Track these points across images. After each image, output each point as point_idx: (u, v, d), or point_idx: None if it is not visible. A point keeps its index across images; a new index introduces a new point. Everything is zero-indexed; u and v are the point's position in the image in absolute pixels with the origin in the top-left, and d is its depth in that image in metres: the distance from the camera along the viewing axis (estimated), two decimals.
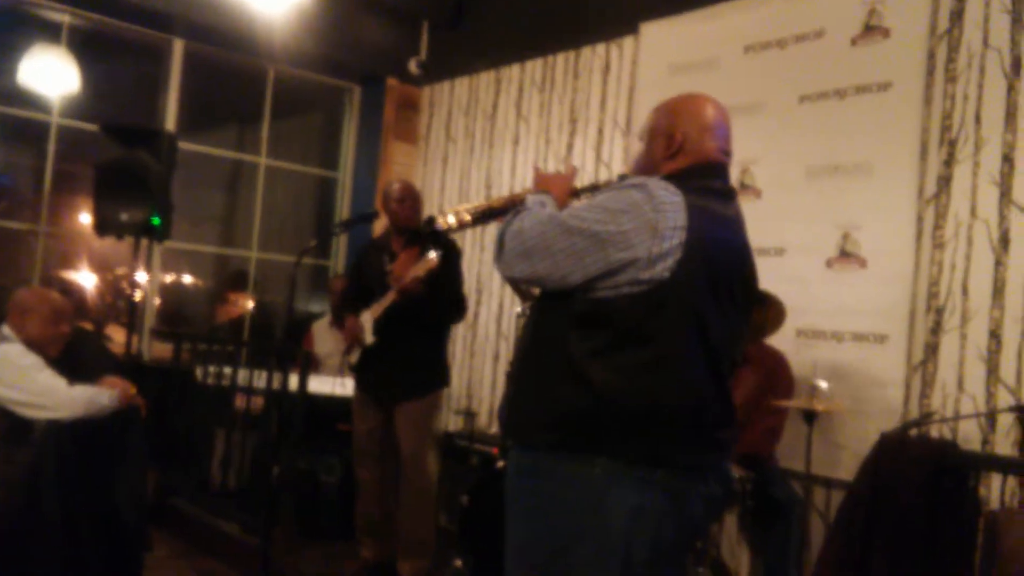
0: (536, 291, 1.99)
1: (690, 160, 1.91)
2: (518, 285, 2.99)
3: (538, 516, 1.79)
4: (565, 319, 1.80)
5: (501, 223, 2.07)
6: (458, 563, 3.60)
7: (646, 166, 1.99)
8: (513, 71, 5.48)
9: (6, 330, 3.16)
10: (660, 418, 1.73)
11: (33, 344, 3.16)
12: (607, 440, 1.73)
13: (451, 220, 2.19)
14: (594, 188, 2.22)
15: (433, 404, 3.91)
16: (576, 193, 2.14)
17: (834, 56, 3.83)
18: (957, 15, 3.50)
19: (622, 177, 2.22)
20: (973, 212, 3.38)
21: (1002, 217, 3.30)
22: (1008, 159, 3.30)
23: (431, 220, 2.22)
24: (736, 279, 1.87)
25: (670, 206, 1.73)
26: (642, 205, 1.73)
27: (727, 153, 1.97)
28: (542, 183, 2.07)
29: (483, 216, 2.21)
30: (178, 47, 5.48)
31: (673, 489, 1.75)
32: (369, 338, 3.80)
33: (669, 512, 1.75)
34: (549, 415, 1.79)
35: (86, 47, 5.21)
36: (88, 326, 5.07)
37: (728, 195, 1.94)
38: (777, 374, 3.58)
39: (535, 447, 1.82)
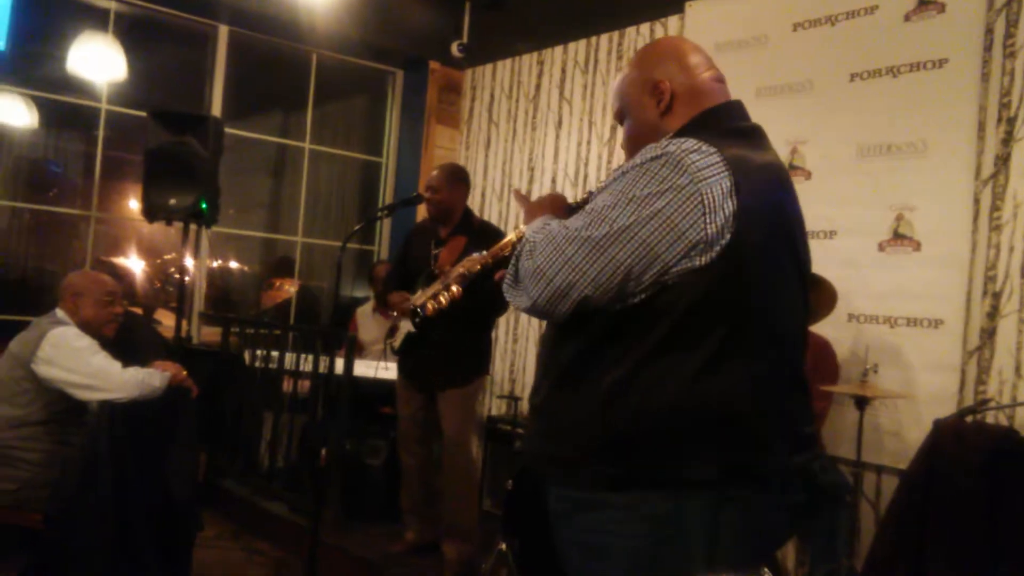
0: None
1: (694, 107, 1.60)
2: None
3: (602, 554, 1.50)
4: (598, 327, 1.49)
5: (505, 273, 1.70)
6: (503, 546, 3.60)
7: (644, 134, 1.63)
8: (556, 53, 5.43)
9: (60, 314, 3.22)
10: (731, 426, 1.44)
11: (88, 326, 3.21)
12: (667, 464, 1.44)
13: (443, 300, 2.07)
14: (589, 198, 1.78)
15: (475, 391, 3.91)
16: (572, 209, 1.78)
17: (887, 32, 3.73)
18: None
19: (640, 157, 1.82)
20: None
21: None
22: None
23: (416, 312, 2.10)
24: (796, 239, 1.58)
25: (710, 170, 1.41)
26: (674, 179, 1.40)
27: (722, 80, 1.66)
28: (532, 211, 1.72)
29: (476, 279, 2.07)
30: (223, 33, 5.53)
31: (750, 503, 1.48)
32: (412, 325, 3.80)
33: (747, 528, 1.49)
34: (598, 445, 1.48)
35: (133, 34, 5.28)
36: (138, 311, 5.15)
37: (758, 135, 1.61)
38: (824, 360, 3.52)
39: (584, 484, 1.52)
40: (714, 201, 1.40)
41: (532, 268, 1.49)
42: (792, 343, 1.56)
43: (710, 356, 1.43)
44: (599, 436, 1.48)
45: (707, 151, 1.43)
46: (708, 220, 1.39)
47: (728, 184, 1.41)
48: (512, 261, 1.58)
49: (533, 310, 1.52)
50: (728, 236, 1.40)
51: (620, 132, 1.69)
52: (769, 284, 1.49)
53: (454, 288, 2.08)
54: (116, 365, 3.11)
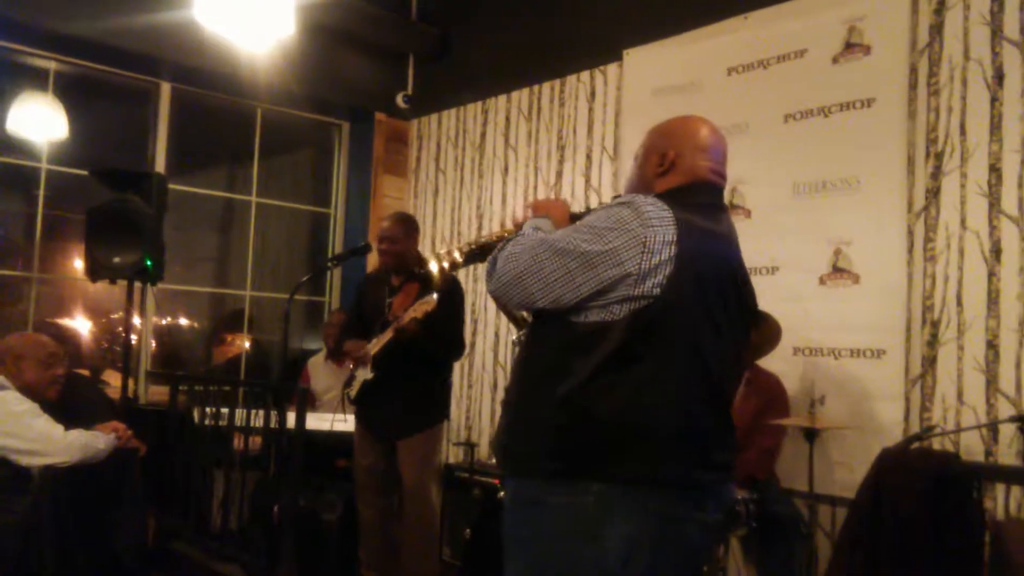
0: (528, 317, 1.98)
1: (681, 179, 1.93)
2: (511, 310, 2.98)
3: (534, 547, 1.78)
4: (558, 344, 1.80)
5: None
6: None
7: (639, 184, 2.00)
8: (500, 101, 5.52)
9: (0, 378, 3.14)
10: (652, 439, 1.71)
11: (30, 389, 3.14)
12: (600, 464, 1.71)
13: (444, 264, 2.18)
14: (590, 212, 2.21)
15: (434, 437, 3.89)
16: (573, 218, 2.13)
17: (817, 74, 3.87)
18: (937, 29, 3.54)
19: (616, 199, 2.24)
20: (963, 223, 3.39)
21: (992, 227, 3.32)
22: (995, 169, 3.33)
23: (423, 262, 2.20)
24: (730, 293, 1.86)
25: (658, 221, 1.73)
26: (629, 221, 1.73)
27: (721, 175, 1.99)
28: (541, 209, 2.06)
29: (476, 254, 2.20)
30: (166, 90, 5.51)
31: (669, 516, 1.73)
32: (369, 373, 3.78)
33: (665, 539, 1.73)
34: (544, 443, 1.77)
35: (74, 93, 5.23)
36: (84, 372, 5.04)
37: (718, 210, 1.94)
38: (775, 398, 3.57)
39: (531, 476, 1.80)
40: (655, 244, 1.71)
41: (509, 252, 1.85)
42: (719, 376, 1.82)
43: (643, 378, 1.72)
44: (549, 435, 1.76)
45: (662, 207, 1.76)
46: (645, 258, 1.71)
47: (671, 235, 1.72)
48: (501, 243, 1.92)
49: (496, 288, 1.87)
50: (663, 277, 1.71)
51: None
52: (701, 323, 1.77)
53: (456, 255, 2.16)
54: (58, 428, 3.05)
